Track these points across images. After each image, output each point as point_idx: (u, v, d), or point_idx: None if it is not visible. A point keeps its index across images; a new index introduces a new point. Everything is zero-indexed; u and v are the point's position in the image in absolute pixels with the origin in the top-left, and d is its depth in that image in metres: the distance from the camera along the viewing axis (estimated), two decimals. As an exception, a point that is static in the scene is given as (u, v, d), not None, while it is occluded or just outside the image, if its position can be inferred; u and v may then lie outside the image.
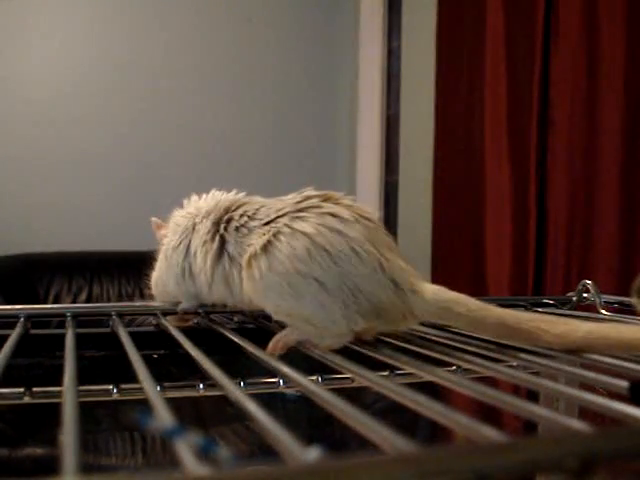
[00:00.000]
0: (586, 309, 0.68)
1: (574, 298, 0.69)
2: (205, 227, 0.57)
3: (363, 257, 0.48)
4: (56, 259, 2.02)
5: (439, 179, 2.00)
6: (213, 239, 0.56)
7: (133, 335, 0.48)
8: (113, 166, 2.28)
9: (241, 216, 0.55)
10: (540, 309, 0.66)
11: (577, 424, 0.26)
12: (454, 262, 1.91)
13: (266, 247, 0.49)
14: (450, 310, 0.47)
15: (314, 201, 0.51)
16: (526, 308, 0.67)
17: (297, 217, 0.50)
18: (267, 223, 0.52)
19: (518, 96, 1.69)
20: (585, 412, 0.31)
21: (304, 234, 0.48)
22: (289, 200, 0.53)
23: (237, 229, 0.54)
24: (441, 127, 2.00)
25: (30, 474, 1.41)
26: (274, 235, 0.49)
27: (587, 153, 1.50)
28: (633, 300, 0.56)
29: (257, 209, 0.55)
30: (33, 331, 0.56)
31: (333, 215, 0.49)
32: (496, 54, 1.75)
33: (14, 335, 0.50)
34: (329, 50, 2.51)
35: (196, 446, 0.24)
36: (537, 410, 0.29)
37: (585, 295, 0.68)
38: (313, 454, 0.22)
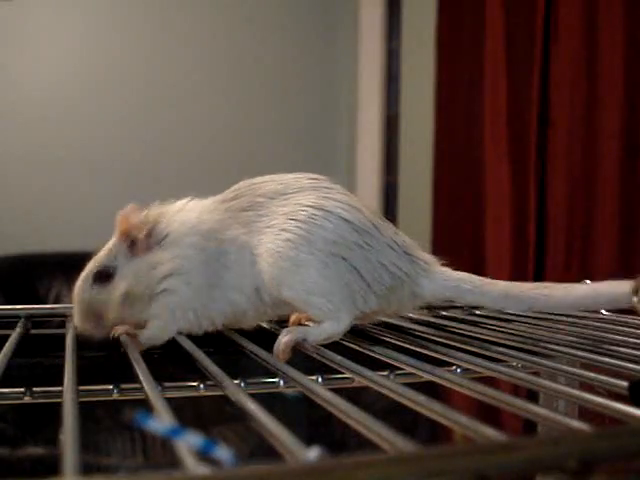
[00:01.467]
0: (586, 309, 0.68)
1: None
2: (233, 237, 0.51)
3: (382, 230, 0.49)
4: (56, 259, 2.02)
5: (439, 179, 2.00)
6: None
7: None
8: (113, 166, 2.27)
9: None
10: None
11: (577, 424, 0.26)
12: (454, 262, 1.90)
13: (296, 223, 0.49)
14: (458, 288, 0.50)
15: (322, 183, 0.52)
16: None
17: (324, 195, 0.50)
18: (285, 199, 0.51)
19: (518, 96, 1.69)
20: (585, 412, 0.31)
21: (331, 212, 0.49)
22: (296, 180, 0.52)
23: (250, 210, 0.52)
24: (441, 127, 2.00)
25: (30, 474, 1.41)
26: (303, 211, 0.49)
27: (587, 153, 1.50)
28: (633, 300, 0.56)
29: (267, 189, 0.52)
30: (33, 331, 0.56)
31: (345, 194, 0.51)
32: (496, 54, 1.75)
33: (14, 335, 0.50)
34: (329, 50, 2.51)
35: (196, 446, 0.24)
36: (537, 410, 0.29)
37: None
38: (313, 454, 0.22)
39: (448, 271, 0.51)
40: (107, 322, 0.51)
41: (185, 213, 0.53)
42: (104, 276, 0.51)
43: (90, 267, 0.53)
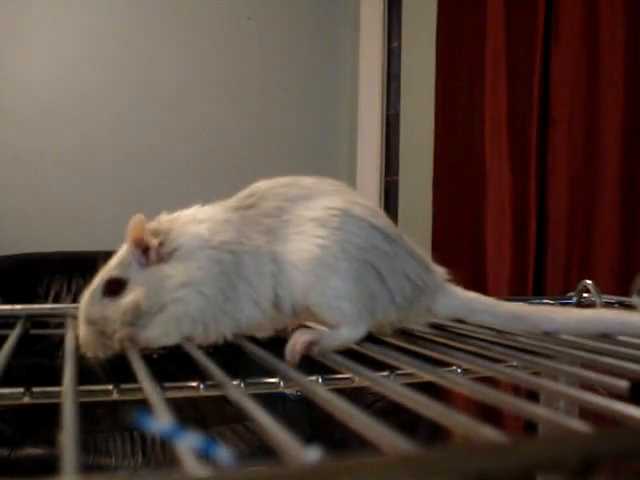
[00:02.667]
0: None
1: (574, 298, 0.69)
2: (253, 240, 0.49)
3: (404, 238, 0.50)
4: (56, 259, 2.02)
5: (439, 179, 2.00)
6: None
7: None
8: (113, 166, 2.27)
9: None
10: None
11: (577, 424, 0.26)
12: (454, 262, 1.90)
13: (329, 230, 0.48)
14: (471, 307, 0.50)
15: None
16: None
17: (349, 200, 0.50)
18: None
19: (518, 96, 1.69)
20: (585, 412, 0.31)
21: (361, 218, 0.48)
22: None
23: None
24: (441, 127, 2.00)
25: (30, 474, 1.41)
26: (334, 217, 0.48)
27: (587, 153, 1.50)
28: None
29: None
30: (33, 331, 0.56)
31: (365, 199, 0.51)
32: (496, 53, 1.75)
33: (14, 335, 0.50)
34: (329, 50, 2.51)
35: (196, 446, 0.24)
36: (537, 410, 0.29)
37: (585, 295, 0.68)
38: (313, 454, 0.22)
39: (460, 289, 0.51)
40: (114, 341, 0.47)
41: (197, 225, 0.50)
42: (116, 286, 0.49)
43: (100, 278, 0.50)
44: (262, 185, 0.52)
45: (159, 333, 0.48)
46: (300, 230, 0.48)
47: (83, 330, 0.48)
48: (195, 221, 0.50)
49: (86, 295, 0.49)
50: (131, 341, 0.47)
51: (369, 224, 0.48)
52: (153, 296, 0.48)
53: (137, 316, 0.48)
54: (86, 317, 0.48)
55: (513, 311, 0.50)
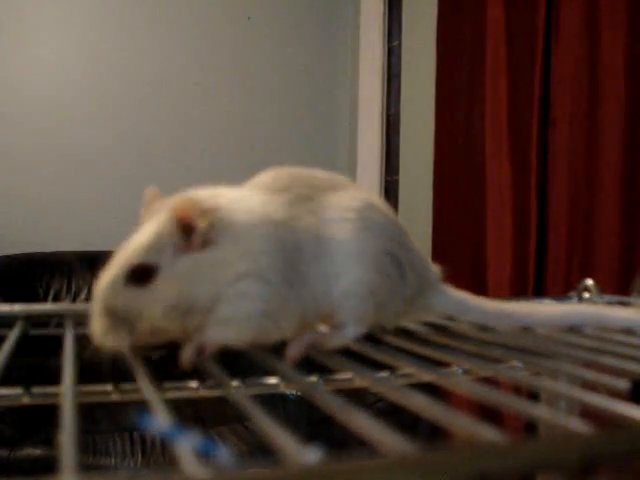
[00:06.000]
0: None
1: (575, 298, 0.69)
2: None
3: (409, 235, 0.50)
4: (56, 259, 2.02)
5: (439, 179, 2.00)
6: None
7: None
8: (113, 165, 2.27)
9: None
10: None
11: (577, 424, 0.26)
12: (454, 262, 1.90)
13: (362, 221, 0.46)
14: (465, 305, 0.51)
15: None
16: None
17: (368, 194, 0.50)
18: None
19: (519, 95, 1.69)
20: (585, 412, 0.31)
21: (381, 211, 0.48)
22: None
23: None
24: (441, 127, 2.00)
25: (30, 474, 1.41)
26: (363, 208, 0.47)
27: (588, 153, 1.50)
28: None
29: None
30: (32, 331, 0.55)
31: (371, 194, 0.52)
32: (497, 53, 1.75)
33: (13, 335, 0.50)
34: (329, 50, 2.51)
35: (195, 446, 0.23)
36: (537, 410, 0.29)
37: (586, 295, 0.68)
38: (313, 454, 0.22)
39: (451, 289, 0.52)
40: (140, 333, 0.41)
41: (247, 201, 0.43)
42: (143, 274, 0.40)
43: (122, 263, 0.41)
44: (280, 171, 0.49)
45: (228, 333, 0.42)
46: (341, 217, 0.45)
47: (99, 320, 0.41)
48: (243, 197, 0.44)
49: (104, 281, 0.41)
50: (201, 353, 0.41)
51: (386, 216, 0.49)
52: (204, 288, 0.41)
53: (183, 311, 0.41)
54: (105, 307, 0.41)
55: (500, 309, 0.52)
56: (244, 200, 0.43)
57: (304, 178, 0.48)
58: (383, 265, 0.46)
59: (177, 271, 0.41)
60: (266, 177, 0.48)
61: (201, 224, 0.40)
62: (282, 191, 0.45)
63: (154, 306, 0.41)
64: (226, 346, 0.42)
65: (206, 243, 0.41)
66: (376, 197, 0.51)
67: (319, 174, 0.50)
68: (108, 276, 0.42)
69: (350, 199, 0.47)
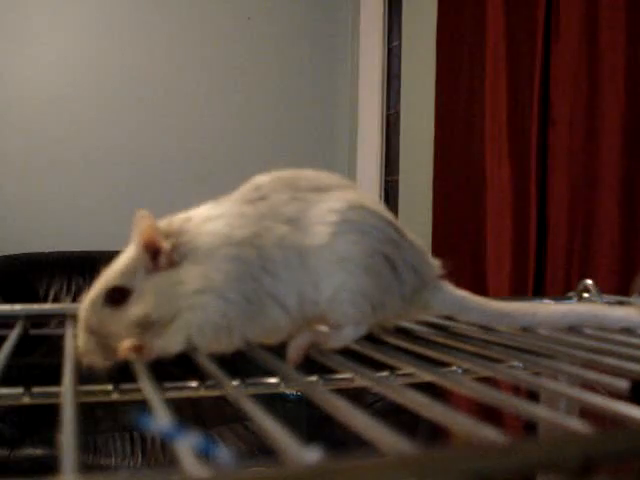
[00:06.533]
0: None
1: (574, 298, 0.69)
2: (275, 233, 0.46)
3: (405, 231, 0.50)
4: (56, 259, 2.02)
5: (439, 179, 2.00)
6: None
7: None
8: (113, 166, 2.28)
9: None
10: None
11: (577, 424, 0.26)
12: (454, 262, 1.90)
13: (352, 224, 0.46)
14: (464, 304, 0.51)
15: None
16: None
17: (360, 194, 0.50)
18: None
19: (518, 96, 1.69)
20: (585, 412, 0.31)
21: (376, 212, 0.48)
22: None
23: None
24: (441, 127, 2.00)
25: (30, 474, 1.41)
26: (354, 209, 0.47)
27: (588, 153, 1.50)
28: (634, 300, 0.56)
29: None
30: (32, 331, 0.55)
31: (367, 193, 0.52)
32: (496, 53, 1.75)
33: (13, 335, 0.50)
34: (329, 50, 2.51)
35: (195, 446, 0.23)
36: (537, 410, 0.29)
37: (585, 295, 0.68)
38: (313, 454, 0.22)
39: (451, 287, 0.52)
40: (117, 351, 0.43)
41: (213, 222, 0.46)
42: (118, 295, 0.44)
43: (101, 286, 0.45)
44: (265, 178, 0.49)
45: (176, 341, 0.44)
46: (321, 221, 0.46)
47: (82, 338, 0.44)
48: (210, 218, 0.46)
49: (86, 302, 0.45)
50: (138, 351, 0.43)
51: (381, 216, 0.49)
52: (165, 305, 0.44)
53: (146, 327, 0.43)
54: (86, 326, 0.44)
55: (500, 309, 0.52)
56: (211, 221, 0.46)
57: (289, 182, 0.49)
58: (373, 265, 0.46)
59: (146, 290, 0.44)
60: (249, 186, 0.49)
61: (165, 246, 0.44)
62: (260, 200, 0.47)
63: (126, 323, 0.44)
64: (178, 353, 0.45)
65: (172, 264, 0.44)
66: (368, 196, 0.50)
67: (308, 175, 0.50)
68: (89, 297, 0.45)
69: (334, 200, 0.47)
